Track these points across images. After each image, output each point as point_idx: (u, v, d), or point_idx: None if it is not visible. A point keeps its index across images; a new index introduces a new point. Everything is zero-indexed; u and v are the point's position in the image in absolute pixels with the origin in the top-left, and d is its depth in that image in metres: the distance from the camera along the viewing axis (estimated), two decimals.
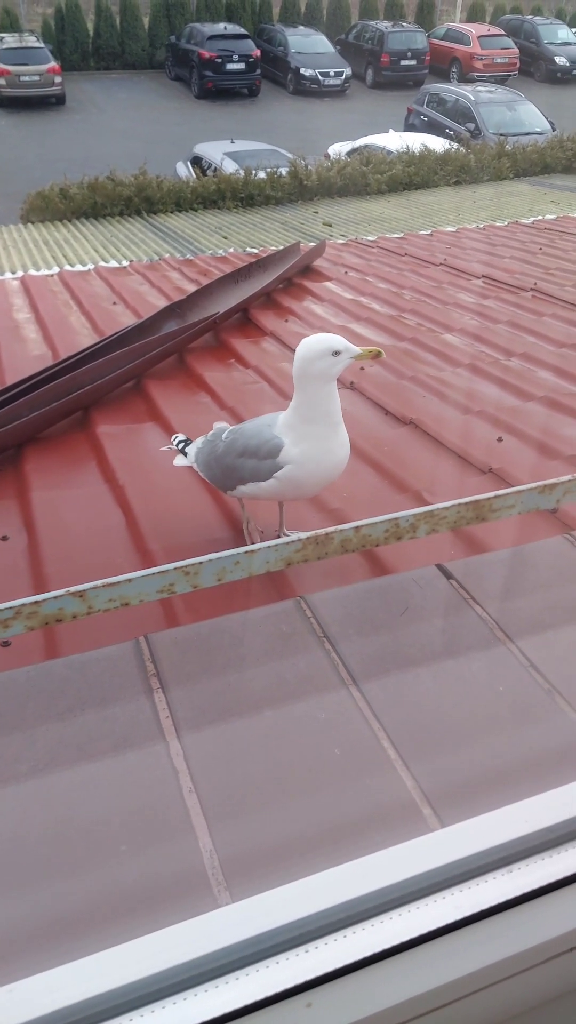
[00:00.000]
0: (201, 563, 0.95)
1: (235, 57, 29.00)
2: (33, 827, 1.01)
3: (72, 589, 0.90)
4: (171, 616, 1.66)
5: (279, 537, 2.50)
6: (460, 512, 1.05)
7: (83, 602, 0.91)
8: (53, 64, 27.88)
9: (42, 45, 28.98)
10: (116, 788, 1.07)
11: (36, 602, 0.89)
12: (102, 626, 1.12)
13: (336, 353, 2.06)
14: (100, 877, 0.95)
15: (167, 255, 9.86)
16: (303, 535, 2.48)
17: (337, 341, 2.08)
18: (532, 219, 8.82)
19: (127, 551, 2.58)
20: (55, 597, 0.90)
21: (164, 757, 1.07)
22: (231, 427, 2.47)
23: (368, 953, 0.76)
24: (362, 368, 4.09)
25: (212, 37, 29.28)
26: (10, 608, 0.88)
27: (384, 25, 32.33)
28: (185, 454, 2.60)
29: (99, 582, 0.91)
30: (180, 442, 2.65)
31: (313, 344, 2.08)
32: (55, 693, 1.16)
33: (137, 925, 0.84)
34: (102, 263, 7.27)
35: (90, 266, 7.08)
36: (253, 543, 2.46)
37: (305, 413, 2.15)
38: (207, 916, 0.80)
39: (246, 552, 0.98)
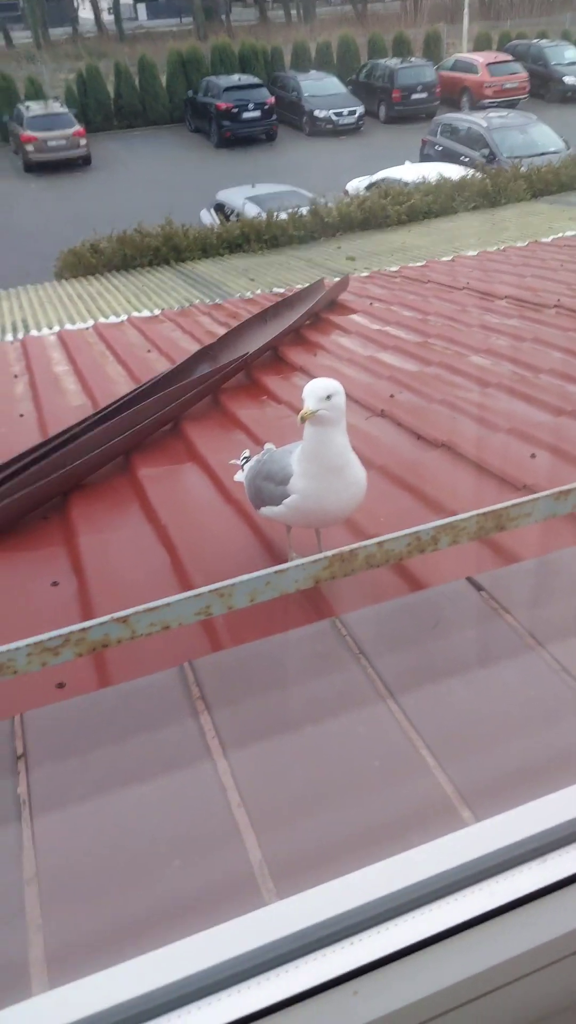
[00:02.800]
0: (234, 584, 1.01)
1: (251, 106, 29.85)
2: (92, 847, 1.07)
3: (116, 615, 0.97)
4: (214, 642, 1.72)
5: None
6: (480, 522, 1.09)
7: (127, 627, 0.98)
8: (78, 127, 29.00)
9: (66, 110, 30.17)
10: (168, 806, 1.12)
11: (83, 629, 0.96)
12: (148, 655, 1.18)
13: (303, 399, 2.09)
14: (156, 889, 1.00)
15: (197, 301, 10.12)
16: (329, 553, 2.55)
17: (308, 389, 2.08)
18: (552, 237, 8.87)
19: (173, 590, 2.66)
20: (100, 623, 0.97)
21: (212, 775, 1.12)
22: (273, 449, 2.58)
23: (410, 942, 0.79)
24: (391, 396, 4.17)
25: (228, 89, 30.22)
26: (59, 636, 0.95)
27: (393, 62, 32.99)
28: (243, 470, 2.73)
29: (140, 607, 0.98)
30: (244, 458, 2.78)
31: (307, 386, 2.12)
32: (107, 720, 1.23)
33: (192, 928, 0.89)
34: (135, 313, 7.51)
35: (123, 317, 7.31)
36: None
37: (305, 449, 2.22)
38: (257, 913, 0.84)
39: (276, 572, 1.04)
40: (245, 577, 1.03)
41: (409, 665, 1.29)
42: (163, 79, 34.51)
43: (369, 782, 1.11)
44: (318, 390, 2.09)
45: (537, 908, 0.83)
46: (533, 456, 3.30)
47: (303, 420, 2.06)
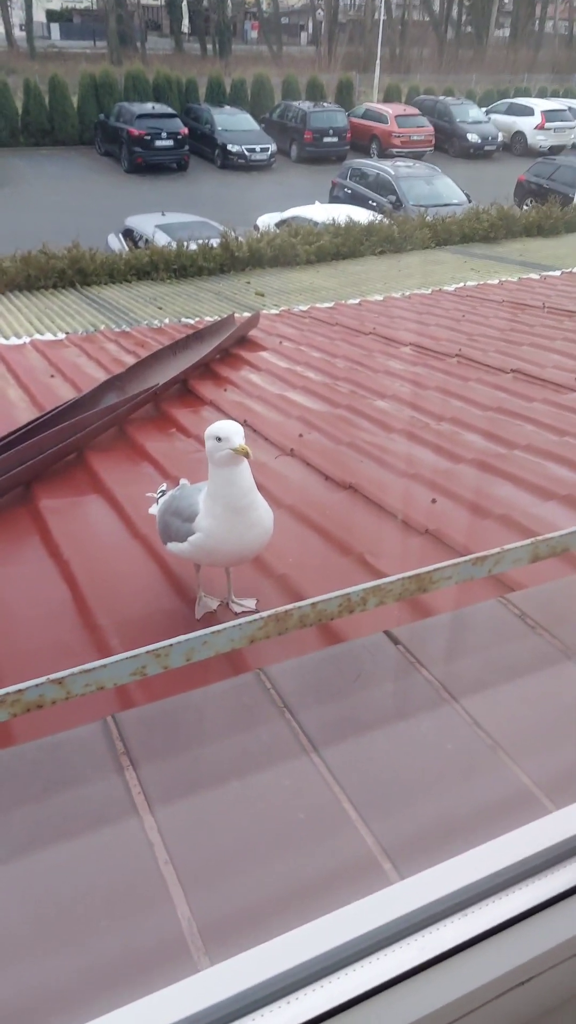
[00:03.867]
0: (171, 645, 1.03)
1: (164, 134, 30.02)
2: (13, 908, 1.05)
3: (52, 677, 0.97)
4: (138, 695, 1.72)
5: (227, 604, 2.60)
6: (404, 585, 1.16)
7: (62, 688, 0.98)
8: None
9: None
10: (94, 864, 1.12)
11: (20, 690, 0.96)
12: (71, 707, 1.17)
13: (218, 439, 2.16)
14: (81, 952, 0.99)
15: (103, 327, 10.01)
16: (249, 602, 2.58)
17: (222, 429, 2.17)
18: (455, 287, 9.29)
19: (76, 627, 2.62)
20: (36, 685, 0.96)
21: (139, 831, 1.13)
22: (187, 484, 2.60)
23: (346, 999, 0.83)
24: (300, 435, 4.26)
25: (141, 116, 30.31)
26: None
27: (306, 105, 33.99)
28: (158, 504, 2.73)
29: (76, 669, 0.98)
30: (161, 492, 2.79)
31: (209, 428, 2.20)
32: (29, 776, 1.21)
33: (118, 996, 0.89)
34: (37, 336, 7.35)
35: (25, 339, 7.14)
36: (205, 610, 2.56)
37: (211, 489, 2.27)
38: (190, 980, 0.85)
39: (213, 632, 1.06)
40: (183, 637, 1.05)
41: (331, 718, 1.33)
42: (74, 100, 34.24)
43: (295, 837, 1.14)
44: (239, 428, 2.17)
45: (461, 960, 0.88)
46: (434, 501, 3.45)
47: (248, 455, 2.13)
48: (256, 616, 1.10)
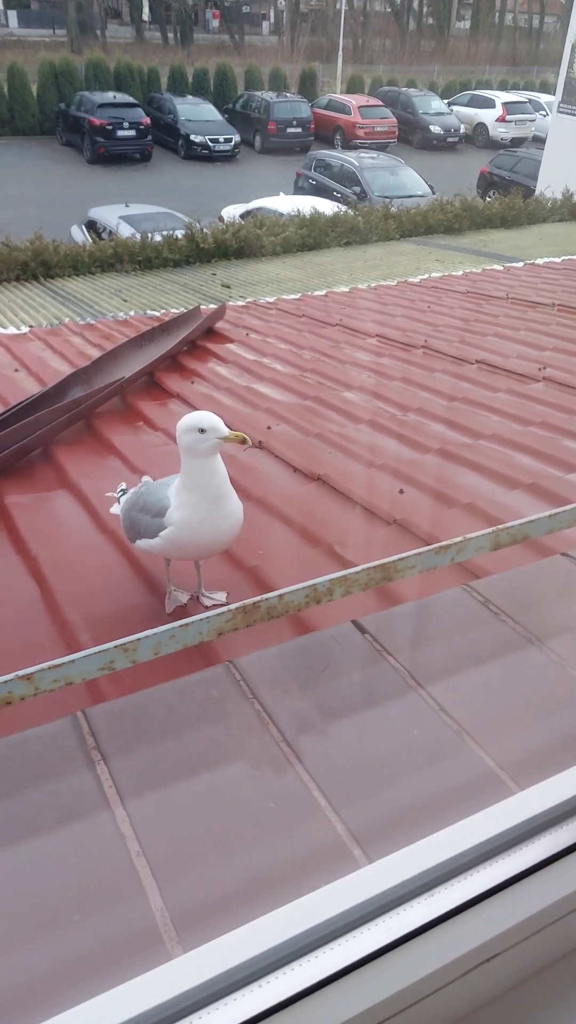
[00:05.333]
0: (139, 639, 1.04)
1: (126, 124, 29.68)
2: None
3: (20, 673, 0.97)
4: (108, 689, 1.72)
5: (198, 598, 2.61)
6: (370, 575, 1.18)
7: (30, 684, 0.98)
8: None
9: None
10: (66, 859, 1.12)
11: None
12: (40, 704, 1.18)
13: (202, 431, 2.17)
14: (54, 947, 1.00)
15: (67, 319, 9.90)
16: (219, 596, 2.59)
17: (204, 420, 2.19)
18: (420, 278, 9.35)
19: (44, 623, 2.61)
20: (4, 681, 0.97)
21: (111, 824, 1.13)
22: (151, 481, 2.60)
23: (314, 981, 0.85)
24: (268, 427, 4.26)
25: (102, 105, 29.92)
26: None
27: (270, 95, 33.83)
28: (120, 503, 2.72)
29: (44, 664, 0.99)
30: (121, 491, 2.78)
31: (184, 420, 2.23)
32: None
33: (94, 986, 0.90)
34: (0, 329, 7.25)
35: None
36: (175, 604, 2.57)
37: (186, 482, 2.29)
38: (163, 968, 0.87)
39: (180, 626, 1.07)
40: (150, 632, 1.06)
41: (301, 707, 1.35)
42: (34, 89, 33.69)
43: (266, 825, 1.16)
44: (219, 419, 2.19)
45: (427, 939, 0.90)
46: (401, 491, 3.48)
47: (243, 441, 2.18)
48: (224, 609, 1.11)
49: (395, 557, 1.19)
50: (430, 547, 1.22)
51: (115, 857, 1.08)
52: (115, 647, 1.01)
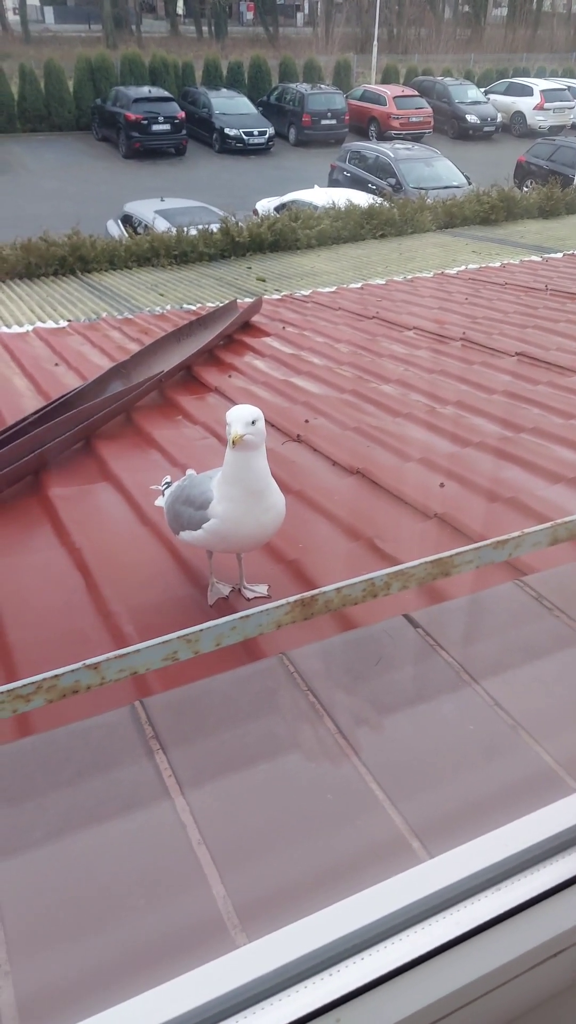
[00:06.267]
0: (201, 630, 1.05)
1: (160, 118, 29.79)
2: (53, 891, 1.08)
3: (87, 662, 0.99)
4: (162, 680, 1.74)
5: (239, 590, 2.62)
6: (427, 569, 1.18)
7: (97, 673, 1.00)
8: None
9: None
10: (129, 846, 1.14)
11: (55, 676, 0.98)
12: (97, 694, 1.19)
13: (228, 424, 2.16)
14: (121, 932, 1.02)
15: (105, 314, 9.98)
16: (261, 588, 2.60)
17: (231, 414, 2.15)
18: (456, 270, 9.25)
19: (89, 614, 2.64)
20: (72, 670, 0.98)
21: (171, 813, 1.15)
22: (195, 474, 2.62)
23: (385, 971, 0.85)
24: (306, 421, 4.26)
25: (138, 100, 30.07)
26: (31, 683, 0.96)
27: (304, 87, 33.68)
28: (164, 496, 2.74)
29: (111, 654, 1.00)
30: (166, 484, 2.80)
31: (228, 412, 2.20)
32: (61, 761, 1.24)
33: (159, 974, 0.92)
34: (40, 324, 7.33)
35: (28, 327, 7.12)
36: (217, 596, 2.58)
37: (226, 474, 2.28)
38: (230, 956, 0.88)
39: (241, 618, 1.08)
40: (212, 623, 1.07)
41: (356, 700, 1.35)
42: (70, 85, 33.96)
43: (325, 817, 1.16)
44: (244, 415, 2.16)
45: (496, 933, 0.90)
46: (442, 485, 3.45)
47: (234, 444, 2.12)
48: (283, 601, 1.12)
49: (452, 552, 1.19)
50: (487, 542, 1.22)
51: (177, 845, 1.09)
52: (178, 638, 1.02)
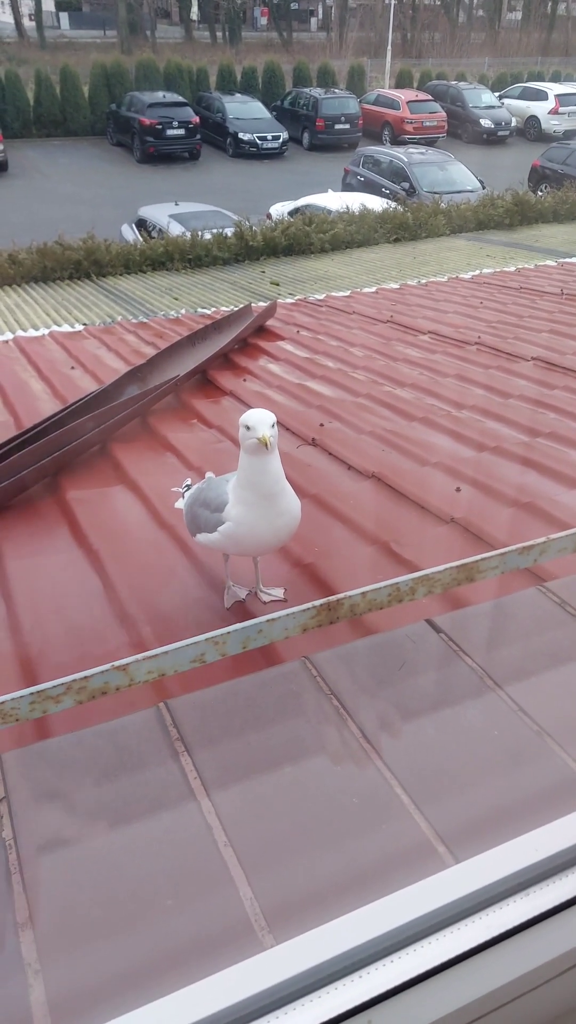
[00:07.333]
0: (229, 633, 1.05)
1: (175, 123, 29.94)
2: (83, 889, 1.09)
3: (116, 663, 1.00)
4: (185, 682, 1.75)
5: (256, 594, 2.63)
6: (452, 575, 1.18)
7: (126, 675, 1.01)
8: None
9: None
10: (156, 848, 1.15)
11: (85, 677, 0.99)
12: (124, 695, 1.21)
13: (247, 427, 2.17)
14: (150, 932, 1.03)
15: (120, 318, 10.03)
16: (277, 592, 2.61)
17: (251, 417, 2.17)
18: (471, 274, 9.24)
19: (108, 616, 2.65)
20: (101, 672, 0.99)
21: (197, 815, 1.16)
22: (213, 477, 2.63)
23: (414, 974, 0.85)
24: (321, 425, 4.26)
25: (152, 105, 30.22)
26: (61, 684, 0.97)
27: (317, 92, 33.76)
28: (184, 498, 2.76)
29: (140, 656, 1.01)
30: (186, 486, 2.82)
31: (243, 415, 2.21)
32: (89, 761, 1.25)
33: (188, 974, 0.93)
34: (55, 327, 7.37)
35: (44, 331, 7.15)
36: (234, 600, 2.59)
37: (242, 477, 2.29)
38: (260, 957, 0.89)
39: (267, 620, 1.09)
40: (239, 626, 1.08)
41: (379, 705, 1.36)
42: (85, 90, 34.16)
43: (350, 820, 1.17)
44: (267, 418, 2.17)
45: (525, 937, 0.91)
46: (458, 490, 3.44)
47: (267, 447, 2.14)
48: (308, 605, 1.13)
49: (477, 557, 1.19)
50: (513, 547, 1.22)
51: (203, 847, 1.10)
52: (206, 640, 1.03)
